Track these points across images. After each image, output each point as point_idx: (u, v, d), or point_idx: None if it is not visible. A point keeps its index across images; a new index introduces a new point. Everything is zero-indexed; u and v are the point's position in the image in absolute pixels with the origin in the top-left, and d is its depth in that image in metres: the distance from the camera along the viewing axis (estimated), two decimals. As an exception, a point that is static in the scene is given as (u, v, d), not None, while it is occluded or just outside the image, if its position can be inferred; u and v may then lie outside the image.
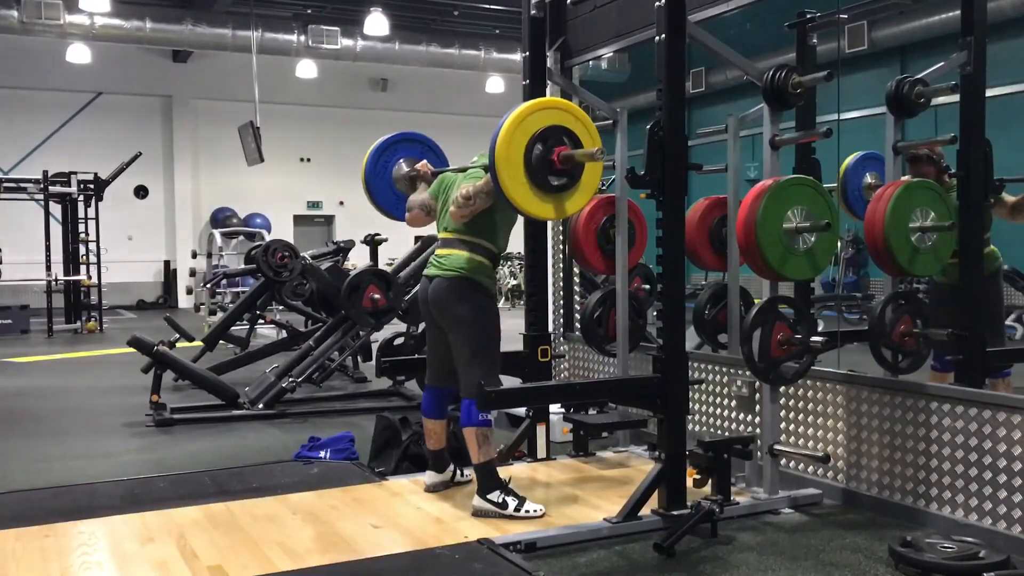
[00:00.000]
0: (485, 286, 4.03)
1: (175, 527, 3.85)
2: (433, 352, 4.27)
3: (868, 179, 4.80)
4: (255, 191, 19.81)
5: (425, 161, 4.47)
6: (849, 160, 4.87)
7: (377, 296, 6.76)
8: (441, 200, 4.19)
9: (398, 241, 10.94)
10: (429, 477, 4.36)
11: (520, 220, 4.34)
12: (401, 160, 4.57)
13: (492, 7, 16.35)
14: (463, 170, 4.19)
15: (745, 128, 4.93)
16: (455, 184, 4.11)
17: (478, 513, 3.93)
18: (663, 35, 3.85)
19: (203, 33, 15.97)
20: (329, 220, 21.25)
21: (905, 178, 4.38)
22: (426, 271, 4.13)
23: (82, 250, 13.85)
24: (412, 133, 4.72)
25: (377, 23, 15.93)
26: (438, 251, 4.12)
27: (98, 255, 13.86)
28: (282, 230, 18.97)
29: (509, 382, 4.45)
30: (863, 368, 4.31)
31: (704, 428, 4.97)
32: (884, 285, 4.35)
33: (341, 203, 20.84)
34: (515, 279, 17.25)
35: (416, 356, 5.60)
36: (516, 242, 4.72)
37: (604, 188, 5.90)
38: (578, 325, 5.66)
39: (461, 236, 4.04)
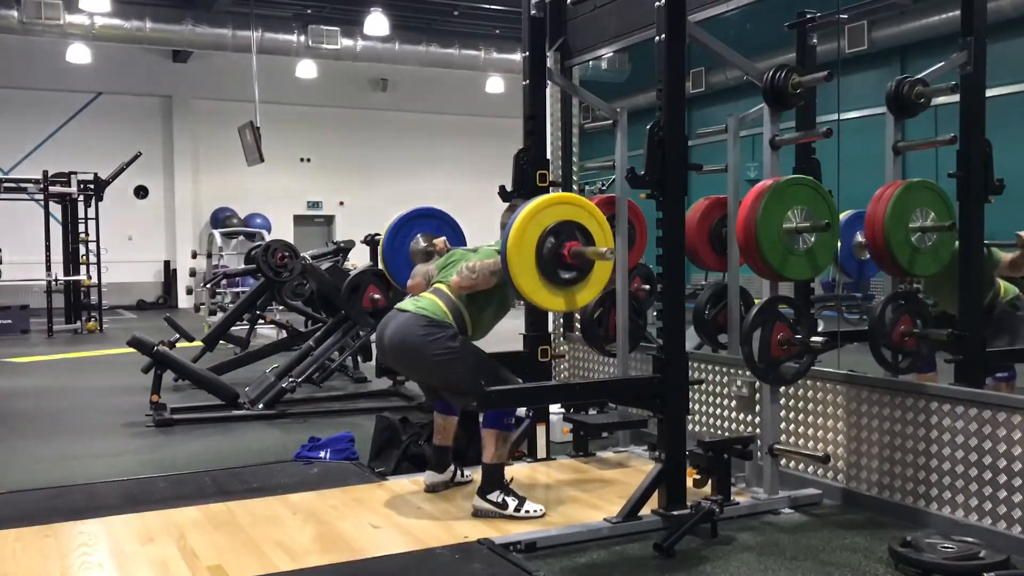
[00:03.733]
0: (450, 324, 3.98)
1: (175, 527, 3.85)
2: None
3: (859, 238, 4.72)
4: (255, 191, 19.78)
5: (444, 238, 4.57)
6: (841, 218, 4.63)
7: (377, 296, 6.76)
8: (443, 272, 4.20)
9: (398, 241, 10.93)
10: (429, 477, 4.36)
11: None
12: (419, 235, 4.74)
13: (492, 7, 16.35)
14: (475, 250, 4.25)
15: (745, 128, 4.93)
16: (463, 259, 4.15)
17: (478, 513, 3.93)
18: (663, 35, 3.85)
19: (203, 33, 15.98)
20: (329, 220, 21.23)
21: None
22: (399, 304, 4.13)
23: (82, 250, 13.84)
24: (429, 208, 4.88)
25: (377, 23, 15.94)
26: (421, 294, 4.15)
27: (98, 255, 13.86)
28: (282, 230, 18.94)
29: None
30: (863, 368, 4.31)
31: (704, 428, 4.97)
32: (884, 285, 4.35)
33: (341, 203, 20.83)
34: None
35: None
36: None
37: (604, 188, 5.91)
38: (578, 325, 5.66)
39: (449, 292, 4.05)
